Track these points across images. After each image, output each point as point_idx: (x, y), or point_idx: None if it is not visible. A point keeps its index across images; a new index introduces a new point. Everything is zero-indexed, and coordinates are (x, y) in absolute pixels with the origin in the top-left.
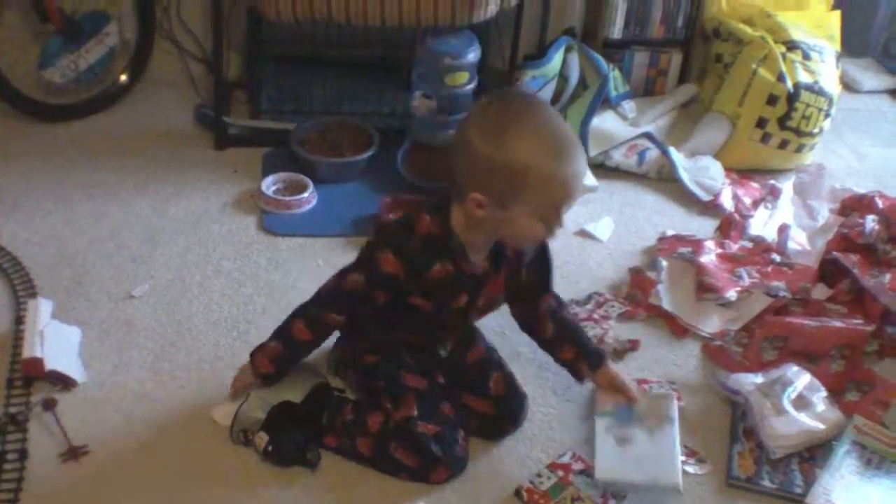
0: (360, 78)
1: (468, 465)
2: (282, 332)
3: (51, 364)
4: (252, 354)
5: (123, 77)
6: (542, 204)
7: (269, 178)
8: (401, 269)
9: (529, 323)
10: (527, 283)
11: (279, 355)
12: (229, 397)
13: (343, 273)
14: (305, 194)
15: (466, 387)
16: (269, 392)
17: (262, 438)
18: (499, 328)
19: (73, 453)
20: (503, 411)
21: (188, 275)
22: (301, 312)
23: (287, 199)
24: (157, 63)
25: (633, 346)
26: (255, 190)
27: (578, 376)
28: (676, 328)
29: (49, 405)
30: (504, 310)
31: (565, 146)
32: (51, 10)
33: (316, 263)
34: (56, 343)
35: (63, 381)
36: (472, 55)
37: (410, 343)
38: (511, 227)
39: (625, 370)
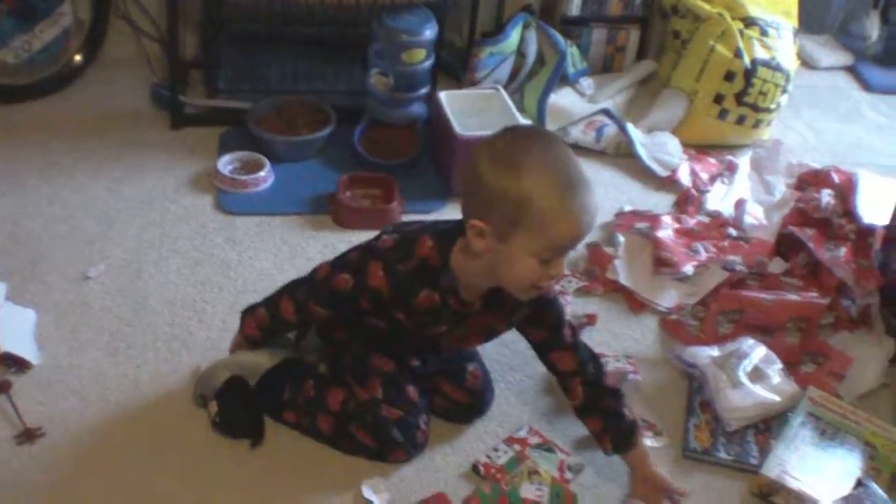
0: (317, 56)
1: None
2: (270, 303)
3: (5, 346)
4: (243, 313)
5: (78, 57)
6: (543, 239)
7: (226, 157)
8: (386, 287)
9: (561, 383)
10: (536, 339)
11: (265, 324)
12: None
13: (337, 267)
14: (262, 173)
15: (444, 373)
16: (235, 359)
17: (213, 407)
18: None
19: (29, 435)
20: (477, 404)
21: (144, 255)
22: (292, 291)
23: (243, 177)
24: (112, 43)
25: (590, 320)
26: (212, 169)
27: (603, 449)
28: (633, 303)
29: (3, 388)
30: None
31: (575, 182)
32: None
33: (273, 243)
34: (10, 325)
35: (18, 364)
36: (429, 32)
37: (385, 345)
38: (508, 264)
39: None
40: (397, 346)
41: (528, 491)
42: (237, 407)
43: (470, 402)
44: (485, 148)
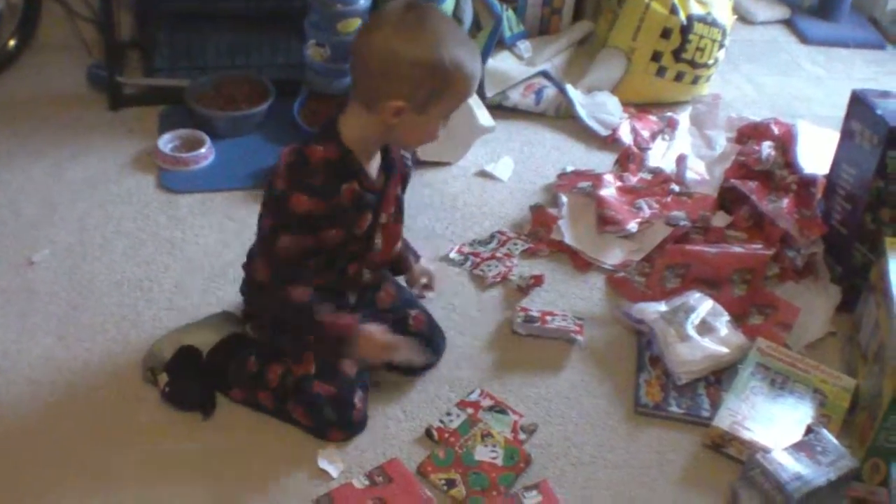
0: (254, 30)
1: (379, 406)
2: (290, 309)
3: None
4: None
5: (12, 42)
6: (459, 101)
7: (166, 136)
8: (315, 204)
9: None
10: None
11: (330, 310)
12: None
13: (267, 244)
14: (203, 150)
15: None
16: (182, 334)
17: (163, 379)
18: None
19: None
20: (428, 348)
21: (88, 238)
22: (283, 281)
23: (184, 155)
24: (46, 26)
25: (536, 281)
26: (152, 148)
27: (402, 269)
28: (579, 262)
29: None
30: None
31: (472, 43)
32: None
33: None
34: None
35: None
36: (364, 1)
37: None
38: (419, 130)
39: (531, 305)
40: (334, 278)
41: (482, 454)
42: (187, 378)
43: (424, 348)
44: (395, 29)
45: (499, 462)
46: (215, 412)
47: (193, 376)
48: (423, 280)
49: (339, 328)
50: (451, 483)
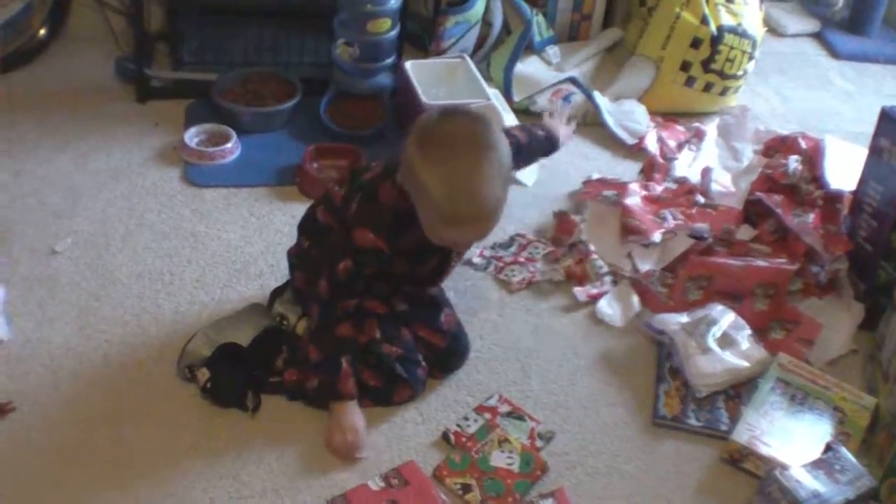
0: (282, 27)
1: (396, 408)
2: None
3: None
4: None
5: (42, 32)
6: (428, 223)
7: (192, 130)
8: (379, 242)
9: None
10: None
11: (353, 365)
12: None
13: (334, 262)
14: (228, 145)
15: (420, 318)
16: (216, 330)
17: (204, 374)
18: None
19: (0, 410)
20: (454, 346)
21: (111, 228)
22: (334, 319)
23: (210, 150)
24: (77, 17)
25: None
26: (178, 142)
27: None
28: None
29: None
30: None
31: (462, 200)
32: None
33: (241, 215)
34: None
35: None
36: (394, 1)
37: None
38: (426, 226)
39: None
40: (394, 287)
41: (498, 459)
42: (230, 373)
43: (447, 345)
44: (421, 126)
45: (515, 469)
46: (248, 409)
47: (236, 373)
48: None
49: (344, 387)
50: (466, 488)
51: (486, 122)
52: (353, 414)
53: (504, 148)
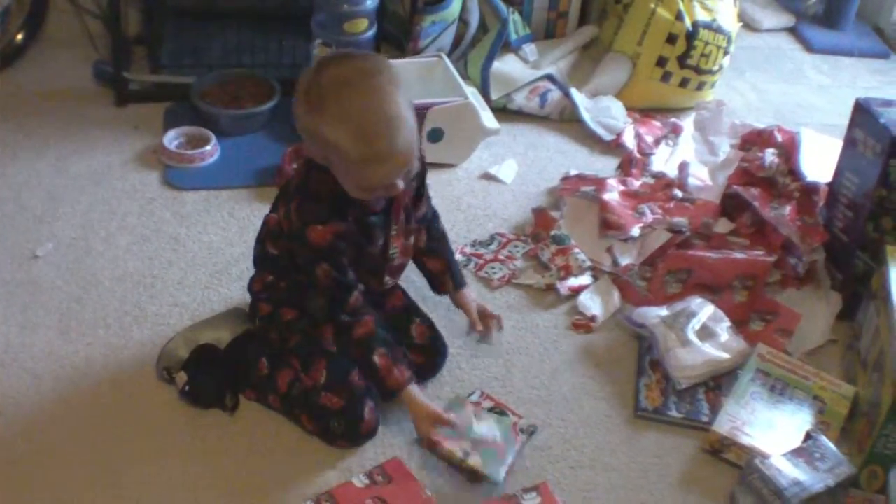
0: (260, 29)
1: (380, 406)
2: (360, 354)
3: None
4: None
5: (19, 37)
6: (354, 179)
7: (171, 133)
8: (333, 228)
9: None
10: (419, 204)
11: (389, 354)
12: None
13: (308, 273)
14: (208, 147)
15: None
16: (195, 332)
17: (182, 377)
18: (405, 273)
19: None
20: (429, 360)
21: (92, 232)
22: (327, 315)
23: (189, 152)
24: (54, 21)
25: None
26: (158, 145)
27: (439, 289)
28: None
29: None
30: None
31: (372, 133)
32: None
33: (221, 216)
34: None
35: None
36: (371, 1)
37: None
38: (343, 179)
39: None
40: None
41: (481, 431)
42: (208, 375)
43: (423, 361)
44: (305, 85)
45: (499, 440)
46: (227, 409)
47: (214, 374)
48: (479, 327)
49: (391, 381)
50: (465, 453)
51: (367, 55)
52: (416, 400)
53: (396, 72)
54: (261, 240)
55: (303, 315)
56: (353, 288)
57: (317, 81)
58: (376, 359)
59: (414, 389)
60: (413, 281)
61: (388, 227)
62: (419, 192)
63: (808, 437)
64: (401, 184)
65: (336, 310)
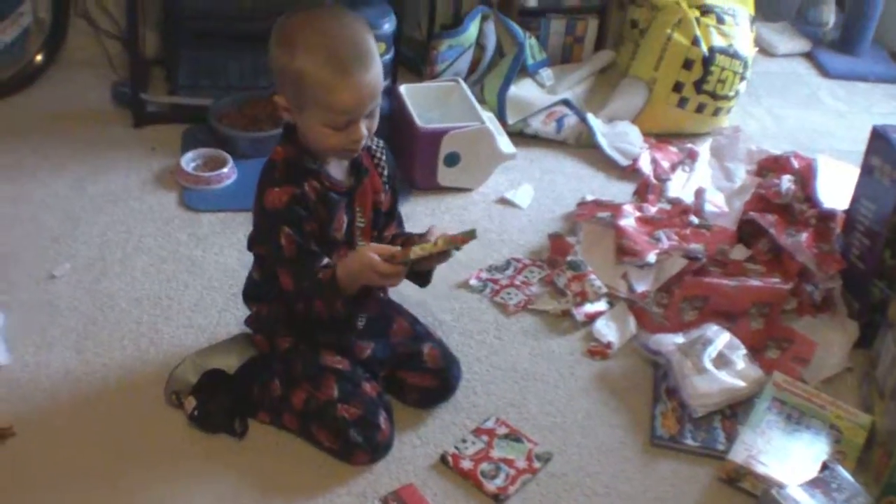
0: None
1: (394, 431)
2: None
3: None
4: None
5: (39, 57)
6: (326, 111)
7: (189, 155)
8: (286, 191)
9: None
10: (387, 201)
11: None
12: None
13: (272, 246)
14: (225, 169)
15: (400, 363)
16: (204, 357)
17: (191, 402)
18: (420, 298)
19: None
20: (443, 382)
21: (109, 253)
22: (297, 286)
23: (207, 174)
24: (73, 42)
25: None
26: (175, 166)
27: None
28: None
29: None
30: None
31: (346, 59)
32: None
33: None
34: None
35: None
36: (388, 25)
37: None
38: (312, 133)
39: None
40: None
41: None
42: (216, 401)
43: (437, 384)
44: (275, 31)
45: (520, 465)
46: (237, 434)
47: (222, 399)
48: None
49: (331, 275)
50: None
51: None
52: (355, 258)
53: (367, 22)
54: (249, 275)
55: (299, 340)
56: (318, 256)
57: (289, 21)
58: (320, 275)
59: (345, 260)
60: (428, 306)
61: (352, 212)
62: (393, 191)
63: (824, 466)
64: (364, 130)
65: (302, 278)
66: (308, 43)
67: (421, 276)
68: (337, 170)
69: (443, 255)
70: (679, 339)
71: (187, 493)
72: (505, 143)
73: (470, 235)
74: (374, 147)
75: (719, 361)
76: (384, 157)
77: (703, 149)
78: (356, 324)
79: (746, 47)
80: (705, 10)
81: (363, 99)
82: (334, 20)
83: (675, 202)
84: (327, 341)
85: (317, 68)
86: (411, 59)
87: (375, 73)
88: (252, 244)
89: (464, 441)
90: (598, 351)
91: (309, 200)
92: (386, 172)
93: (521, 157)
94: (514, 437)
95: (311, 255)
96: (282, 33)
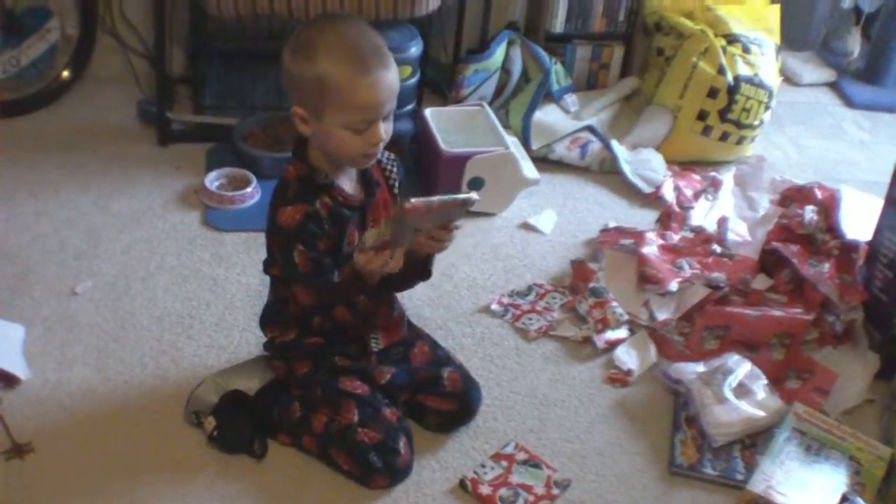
0: None
1: (413, 455)
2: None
3: None
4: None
5: (66, 73)
6: (347, 112)
7: (213, 174)
8: (299, 209)
9: None
10: None
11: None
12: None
13: (286, 263)
14: (249, 189)
15: (420, 387)
16: (225, 378)
17: (210, 423)
18: (441, 321)
19: (18, 451)
20: (463, 406)
21: (131, 271)
22: (309, 293)
23: (230, 194)
24: (100, 59)
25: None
26: (199, 185)
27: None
28: None
29: None
30: (448, 302)
31: (364, 57)
32: None
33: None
34: None
35: (7, 379)
36: (415, 49)
37: (343, 329)
38: (331, 140)
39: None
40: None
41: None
42: (236, 421)
43: (457, 408)
44: (288, 43)
45: (539, 491)
46: (256, 456)
47: (242, 420)
48: None
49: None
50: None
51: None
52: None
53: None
54: (267, 300)
55: (316, 366)
56: (332, 269)
57: (306, 30)
58: (336, 282)
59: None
60: (450, 329)
61: (364, 226)
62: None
63: (843, 499)
64: (382, 132)
65: (320, 289)
66: (328, 46)
67: (422, 268)
68: (348, 184)
69: (458, 209)
70: (700, 367)
71: None
72: (529, 169)
73: (450, 202)
74: (384, 160)
75: (740, 391)
76: (395, 170)
77: (727, 177)
78: (370, 345)
79: (771, 77)
80: (731, 40)
81: (384, 97)
82: (352, 26)
83: (698, 231)
84: (345, 366)
85: (339, 68)
86: (437, 83)
87: (394, 74)
88: (267, 267)
89: (483, 466)
90: (619, 378)
91: (321, 218)
92: (397, 184)
93: (545, 183)
94: (533, 462)
95: (325, 268)
96: (299, 41)
